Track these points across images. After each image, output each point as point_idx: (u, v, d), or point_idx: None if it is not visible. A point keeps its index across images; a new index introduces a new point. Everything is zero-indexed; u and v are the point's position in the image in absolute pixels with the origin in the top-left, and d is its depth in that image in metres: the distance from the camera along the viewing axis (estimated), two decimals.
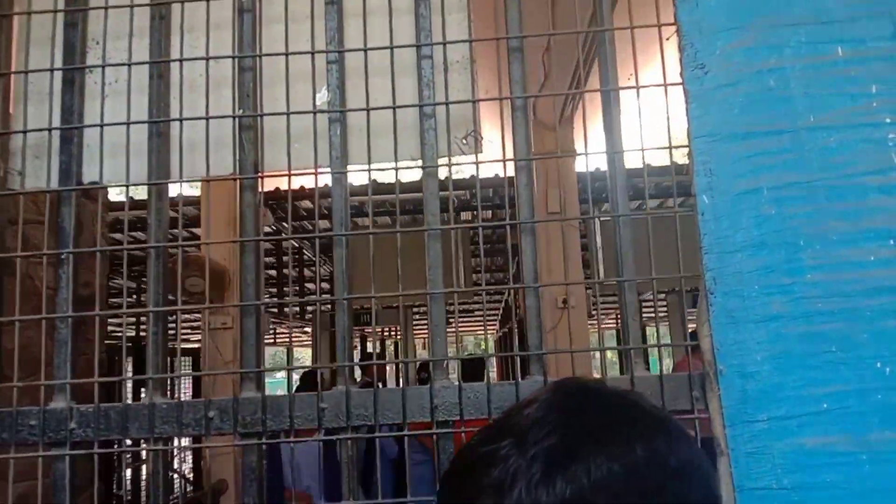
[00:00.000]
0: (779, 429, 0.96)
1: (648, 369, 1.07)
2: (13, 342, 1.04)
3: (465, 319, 16.22)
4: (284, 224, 7.90)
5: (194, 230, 7.64)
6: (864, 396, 0.95)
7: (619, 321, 1.14)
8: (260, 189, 1.10)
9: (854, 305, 0.97)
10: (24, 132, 1.10)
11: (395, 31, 1.12)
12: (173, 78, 1.13)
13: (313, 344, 8.85)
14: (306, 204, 6.99)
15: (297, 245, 8.14)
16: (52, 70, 1.12)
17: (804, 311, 0.98)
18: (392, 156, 1.10)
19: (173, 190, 1.12)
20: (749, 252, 1.00)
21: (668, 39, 1.09)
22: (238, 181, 1.09)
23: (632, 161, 1.16)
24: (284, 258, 8.86)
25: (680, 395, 1.01)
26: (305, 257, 8.88)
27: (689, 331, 1.20)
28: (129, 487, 7.31)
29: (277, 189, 6.50)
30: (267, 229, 6.74)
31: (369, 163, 1.09)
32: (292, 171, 1.09)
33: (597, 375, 1.07)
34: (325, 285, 10.06)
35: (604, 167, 1.10)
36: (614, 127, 1.09)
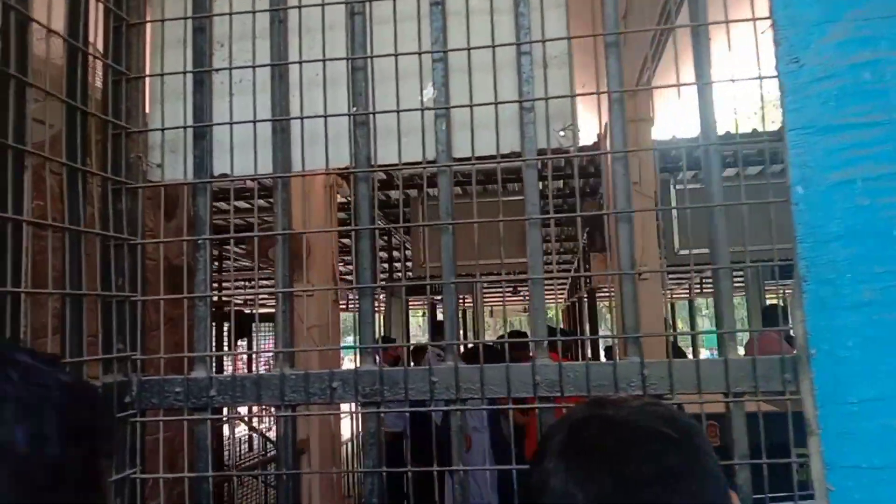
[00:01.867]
0: (869, 410, 1.02)
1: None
2: (157, 317, 1.18)
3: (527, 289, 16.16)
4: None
5: (263, 202, 7.90)
6: None
7: (690, 292, 1.19)
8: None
9: None
10: (163, 129, 1.23)
11: (496, 28, 1.19)
12: (292, 77, 1.24)
13: (386, 313, 9.09)
14: (379, 175, 7.13)
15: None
16: (184, 73, 1.24)
17: (895, 298, 1.02)
18: (493, 147, 1.18)
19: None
20: (842, 242, 1.05)
21: (762, 33, 1.13)
22: (353, 174, 1.19)
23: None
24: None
25: (772, 376, 1.07)
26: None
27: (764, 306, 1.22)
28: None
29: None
30: (342, 200, 6.90)
31: (472, 154, 1.17)
32: (402, 165, 1.19)
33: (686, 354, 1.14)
34: (383, 254, 10.25)
35: (678, 135, 1.15)
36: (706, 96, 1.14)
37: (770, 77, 1.11)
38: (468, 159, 1.18)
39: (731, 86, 1.17)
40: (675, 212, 5.95)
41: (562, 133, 1.18)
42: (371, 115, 1.20)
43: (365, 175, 1.20)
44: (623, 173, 1.15)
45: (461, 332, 10.88)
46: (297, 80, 1.23)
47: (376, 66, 1.22)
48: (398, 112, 1.18)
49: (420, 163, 1.19)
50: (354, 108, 1.21)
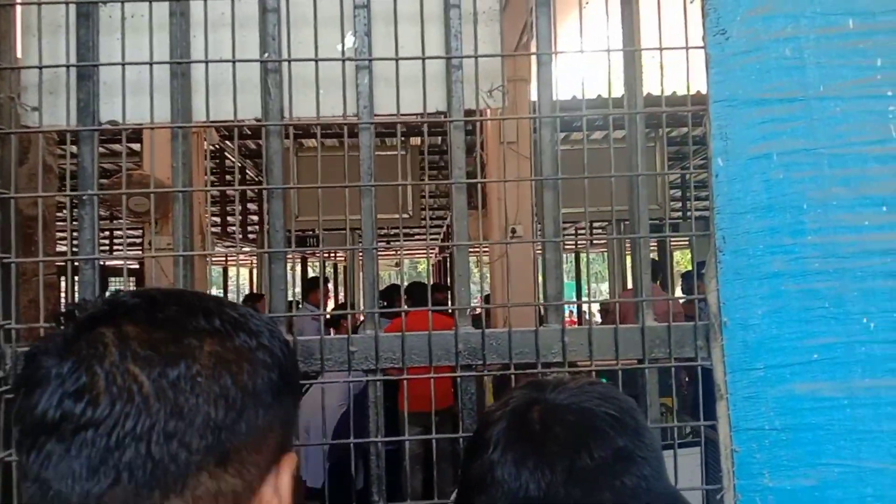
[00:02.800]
0: (773, 376, 1.08)
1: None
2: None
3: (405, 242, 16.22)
4: (227, 142, 7.73)
5: (133, 146, 7.40)
6: (850, 348, 1.07)
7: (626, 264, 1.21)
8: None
9: (847, 266, 1.08)
10: (40, 67, 1.08)
11: None
12: (195, 16, 1.12)
13: (259, 266, 8.82)
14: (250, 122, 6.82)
15: (240, 165, 7.97)
16: (66, 2, 1.09)
17: (802, 270, 1.08)
18: (417, 106, 1.12)
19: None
20: (757, 214, 1.08)
21: (691, 2, 1.14)
22: (264, 128, 1.10)
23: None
24: (228, 178, 8.65)
25: (686, 343, 1.11)
26: (248, 177, 8.71)
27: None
28: None
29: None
30: (211, 147, 6.54)
31: (398, 112, 1.11)
32: (320, 120, 1.11)
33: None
34: (252, 206, 9.91)
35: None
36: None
37: (697, 47, 1.11)
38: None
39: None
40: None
41: (489, 94, 1.14)
42: (285, 63, 1.10)
43: (277, 129, 1.11)
44: (549, 139, 1.12)
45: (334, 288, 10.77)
46: (200, 20, 1.11)
47: (292, 9, 1.12)
48: (316, 61, 1.09)
49: (340, 118, 1.12)
50: (266, 54, 1.10)
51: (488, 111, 1.19)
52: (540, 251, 1.14)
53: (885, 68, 1.11)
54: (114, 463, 0.47)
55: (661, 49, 1.12)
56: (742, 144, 1.09)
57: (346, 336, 1.08)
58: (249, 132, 7.22)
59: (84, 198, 1.08)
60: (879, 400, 1.07)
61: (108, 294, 0.58)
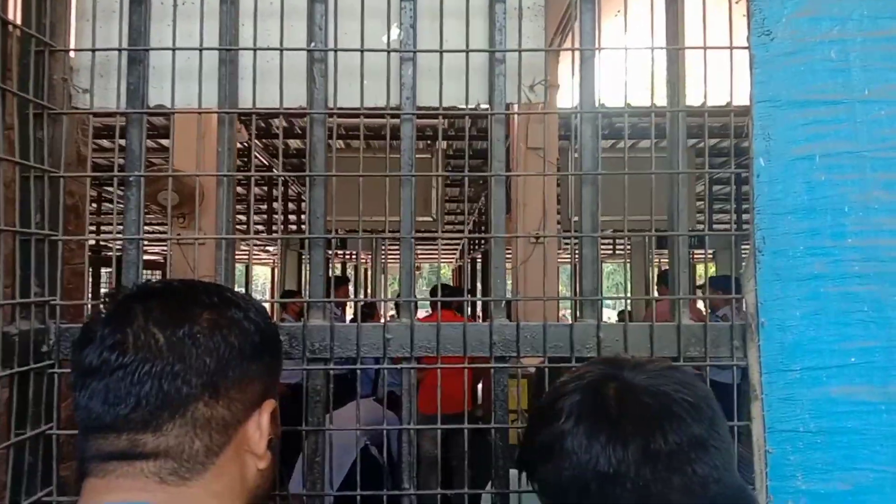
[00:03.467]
0: (810, 378, 1.07)
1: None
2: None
3: (425, 247, 16.23)
4: (256, 141, 7.80)
5: (162, 141, 7.50)
6: (889, 353, 1.07)
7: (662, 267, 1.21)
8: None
9: (887, 270, 1.08)
10: (93, 50, 1.11)
11: None
12: (244, 5, 1.14)
13: (281, 264, 8.88)
14: (278, 121, 6.88)
15: (266, 165, 8.06)
16: None
17: (843, 272, 1.08)
18: (459, 99, 1.14)
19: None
20: (798, 215, 1.08)
21: (737, 2, 1.14)
22: (309, 116, 1.12)
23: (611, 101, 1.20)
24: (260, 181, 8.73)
25: (721, 343, 1.11)
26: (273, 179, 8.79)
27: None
28: None
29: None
30: (238, 145, 6.62)
31: (440, 105, 1.13)
32: (364, 110, 1.12)
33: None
34: (291, 206, 10.01)
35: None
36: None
37: (741, 48, 1.12)
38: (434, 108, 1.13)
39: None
40: (571, 181, 6.08)
41: (531, 88, 1.15)
42: (332, 53, 1.12)
43: (321, 117, 1.13)
44: (591, 134, 1.13)
45: (360, 290, 10.83)
46: (249, 9, 1.13)
47: (339, 1, 1.14)
48: (362, 51, 1.11)
49: (383, 109, 1.13)
50: (313, 44, 1.13)
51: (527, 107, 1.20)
52: (577, 246, 1.15)
53: None
54: (135, 393, 0.66)
55: (704, 48, 1.13)
56: (784, 145, 1.09)
57: (381, 324, 1.09)
58: (277, 131, 7.29)
59: (131, 179, 1.11)
60: None
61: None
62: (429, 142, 7.26)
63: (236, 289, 0.86)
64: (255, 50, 1.11)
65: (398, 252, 1.15)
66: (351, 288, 10.25)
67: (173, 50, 1.11)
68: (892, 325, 1.07)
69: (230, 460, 0.70)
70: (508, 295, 1.16)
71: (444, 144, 6.97)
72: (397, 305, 1.29)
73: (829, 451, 1.06)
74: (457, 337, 1.11)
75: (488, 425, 1.12)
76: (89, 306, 1.14)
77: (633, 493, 0.63)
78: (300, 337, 1.09)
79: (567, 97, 1.24)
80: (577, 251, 1.14)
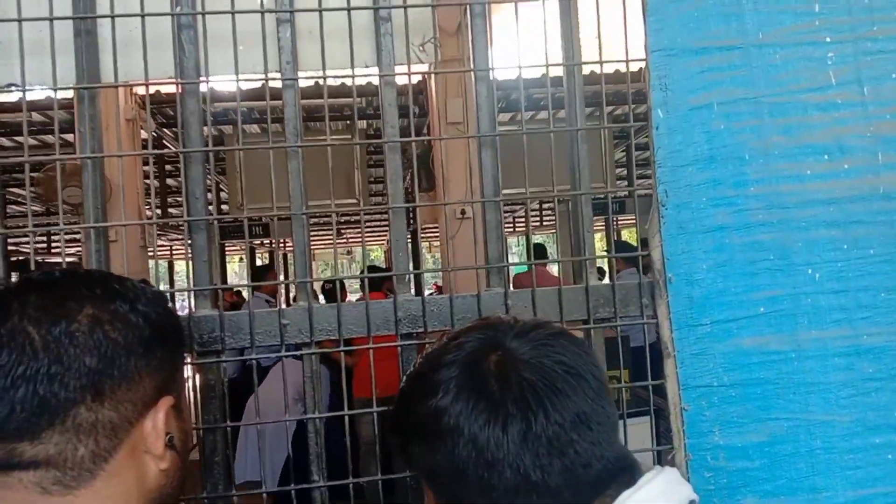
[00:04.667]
0: (720, 331, 1.06)
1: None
2: None
3: (353, 230, 16.05)
4: (165, 130, 7.48)
5: (66, 136, 7.11)
6: (796, 300, 1.06)
7: (568, 232, 1.18)
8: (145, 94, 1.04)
9: (791, 216, 1.07)
10: None
11: None
12: None
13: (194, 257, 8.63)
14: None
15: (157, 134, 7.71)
16: None
17: (746, 222, 1.07)
18: (345, 62, 1.07)
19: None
20: (699, 166, 1.06)
21: None
22: (179, 86, 1.03)
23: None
24: (167, 167, 8.40)
25: (630, 301, 1.08)
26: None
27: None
28: None
29: (158, 92, 6.10)
30: (145, 135, 6.33)
31: (324, 69, 1.05)
32: (239, 77, 1.04)
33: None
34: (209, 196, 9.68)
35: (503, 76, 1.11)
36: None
37: None
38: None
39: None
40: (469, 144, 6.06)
41: (421, 48, 1.09)
42: (200, 18, 1.03)
43: (193, 88, 1.04)
44: (486, 94, 1.08)
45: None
46: None
47: None
48: (233, 13, 1.03)
49: (262, 77, 1.05)
50: (178, 7, 1.03)
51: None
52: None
53: (823, 14, 1.10)
54: (9, 398, 0.61)
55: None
56: (682, 95, 1.07)
57: (276, 309, 1.02)
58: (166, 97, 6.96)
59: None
60: (826, 351, 1.06)
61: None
62: (347, 122, 7.11)
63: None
64: (112, 17, 1.01)
65: (327, 236, 1.08)
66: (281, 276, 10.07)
67: (19, 21, 1.00)
68: (797, 271, 1.07)
69: (124, 463, 0.67)
70: (428, 290, 1.11)
71: (362, 124, 6.84)
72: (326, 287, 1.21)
73: (743, 404, 1.06)
74: (359, 316, 1.05)
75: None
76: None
77: (512, 479, 0.60)
78: (186, 330, 1.00)
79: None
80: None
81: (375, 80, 1.11)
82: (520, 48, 1.06)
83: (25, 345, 0.63)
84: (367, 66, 1.09)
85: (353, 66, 1.06)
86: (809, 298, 1.06)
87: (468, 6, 1.08)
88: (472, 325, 0.72)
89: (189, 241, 1.04)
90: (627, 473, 0.65)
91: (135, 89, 5.70)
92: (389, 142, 1.07)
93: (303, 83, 1.09)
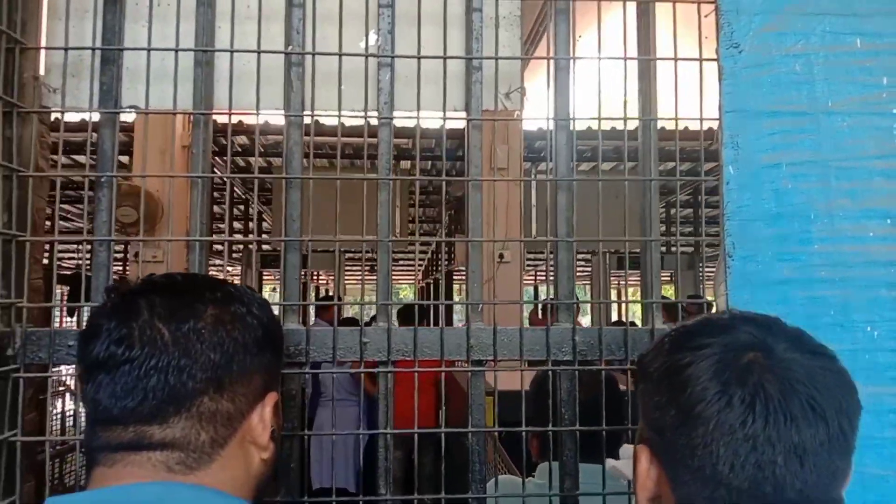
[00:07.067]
0: None
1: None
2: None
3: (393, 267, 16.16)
4: (216, 158, 7.74)
5: (121, 159, 7.38)
6: (855, 356, 1.11)
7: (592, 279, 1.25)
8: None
9: (852, 275, 1.13)
10: (66, 49, 1.11)
11: None
12: (220, 7, 1.15)
13: (243, 279, 8.81)
14: (241, 140, 6.83)
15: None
16: None
17: (810, 277, 1.13)
18: (436, 104, 1.16)
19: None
20: (767, 221, 1.13)
21: (706, 17, 1.19)
22: (286, 117, 1.13)
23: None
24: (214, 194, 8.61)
25: None
26: (235, 195, 8.72)
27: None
28: None
29: (215, 122, 6.32)
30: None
31: (418, 110, 1.15)
32: (341, 113, 1.14)
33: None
34: (238, 225, 9.89)
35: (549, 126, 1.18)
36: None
37: (710, 60, 1.17)
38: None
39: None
40: (534, 199, 6.15)
41: (507, 96, 1.18)
42: (309, 57, 1.14)
43: (297, 120, 1.14)
44: (565, 142, 1.17)
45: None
46: (226, 10, 1.15)
47: (318, 5, 1.16)
48: (340, 55, 1.13)
49: (361, 113, 1.15)
50: (290, 47, 1.14)
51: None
52: (552, 253, 1.18)
53: (891, 87, 1.17)
54: (142, 387, 0.69)
55: (675, 59, 1.17)
56: (752, 154, 1.14)
57: (357, 328, 1.10)
58: (241, 150, 7.22)
59: (102, 180, 1.10)
60: (882, 407, 1.11)
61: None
62: (397, 162, 7.26)
63: None
64: (231, 52, 1.12)
65: (357, 272, 1.16)
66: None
67: (148, 50, 1.12)
68: (857, 328, 1.12)
69: (235, 451, 0.74)
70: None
71: (407, 164, 7.00)
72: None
73: None
74: (434, 340, 1.12)
75: (464, 429, 1.13)
76: (56, 311, 1.12)
77: (707, 462, 0.65)
78: None
79: (536, 111, 1.27)
80: (552, 258, 1.16)
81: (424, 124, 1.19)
82: (600, 103, 1.15)
83: (157, 340, 0.70)
84: (455, 110, 1.19)
85: (444, 109, 1.16)
86: (867, 355, 1.11)
87: (554, 61, 1.18)
88: (735, 315, 0.77)
89: (283, 260, 1.13)
90: None
91: (191, 119, 5.96)
92: (472, 180, 1.15)
93: (348, 122, 1.19)
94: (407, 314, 4.63)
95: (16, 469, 1.05)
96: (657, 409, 0.71)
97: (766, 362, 0.68)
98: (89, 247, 1.12)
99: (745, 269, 1.13)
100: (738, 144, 1.15)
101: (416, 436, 1.14)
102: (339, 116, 1.15)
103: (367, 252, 1.32)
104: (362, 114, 1.16)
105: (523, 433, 1.13)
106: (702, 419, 0.66)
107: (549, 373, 1.15)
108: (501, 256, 5.82)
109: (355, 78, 1.16)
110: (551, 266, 1.20)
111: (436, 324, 1.15)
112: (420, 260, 12.71)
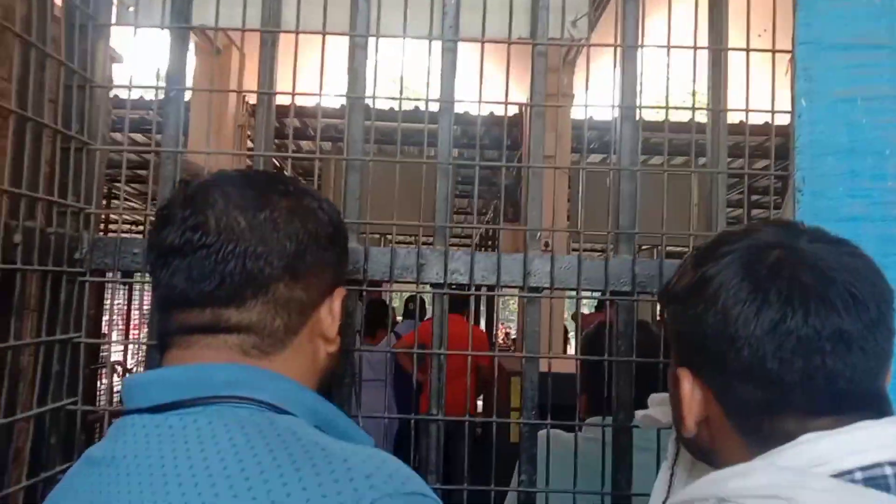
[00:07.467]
0: None
1: None
2: None
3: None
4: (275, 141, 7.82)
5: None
6: None
7: None
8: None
9: None
10: None
11: None
12: None
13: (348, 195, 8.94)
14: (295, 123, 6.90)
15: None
16: None
17: (882, 214, 1.09)
18: (502, 32, 1.16)
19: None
20: (839, 157, 1.10)
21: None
22: (350, 38, 1.14)
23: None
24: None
25: None
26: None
27: None
28: None
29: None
30: (250, 143, 6.64)
31: (482, 38, 1.15)
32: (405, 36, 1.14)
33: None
34: None
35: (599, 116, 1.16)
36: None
37: (784, 51, 1.14)
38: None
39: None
40: (581, 191, 6.10)
41: (574, 24, 1.17)
42: None
43: (360, 104, 1.15)
44: (631, 131, 1.15)
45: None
46: None
47: None
48: None
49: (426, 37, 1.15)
50: None
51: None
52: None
53: None
54: (219, 271, 0.70)
55: (748, 50, 1.14)
56: (826, 87, 1.11)
57: (415, 248, 1.11)
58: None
59: (171, 94, 1.13)
60: None
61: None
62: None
63: None
64: None
65: None
66: None
67: None
68: None
69: (305, 341, 0.76)
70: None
71: (455, 153, 7.01)
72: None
73: None
74: (491, 266, 1.12)
75: (505, 419, 1.12)
76: (121, 220, 1.15)
77: (747, 359, 0.64)
78: None
79: (580, 107, 1.26)
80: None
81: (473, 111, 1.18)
82: (668, 93, 1.13)
83: (234, 227, 0.71)
84: (521, 37, 1.18)
85: (510, 35, 1.15)
86: None
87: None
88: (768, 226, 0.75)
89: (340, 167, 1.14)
90: (874, 410, 0.65)
91: (247, 99, 6.06)
92: (533, 167, 1.15)
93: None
94: (455, 302, 4.64)
95: (78, 369, 1.08)
96: (695, 322, 0.69)
97: (793, 257, 0.67)
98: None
99: (814, 205, 1.10)
100: (812, 77, 1.12)
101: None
102: (404, 37, 1.15)
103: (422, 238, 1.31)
104: (427, 37, 1.16)
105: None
106: (742, 320, 0.65)
107: (599, 329, 1.13)
108: (547, 245, 5.78)
109: (422, 4, 1.17)
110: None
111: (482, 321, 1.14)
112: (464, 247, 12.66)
